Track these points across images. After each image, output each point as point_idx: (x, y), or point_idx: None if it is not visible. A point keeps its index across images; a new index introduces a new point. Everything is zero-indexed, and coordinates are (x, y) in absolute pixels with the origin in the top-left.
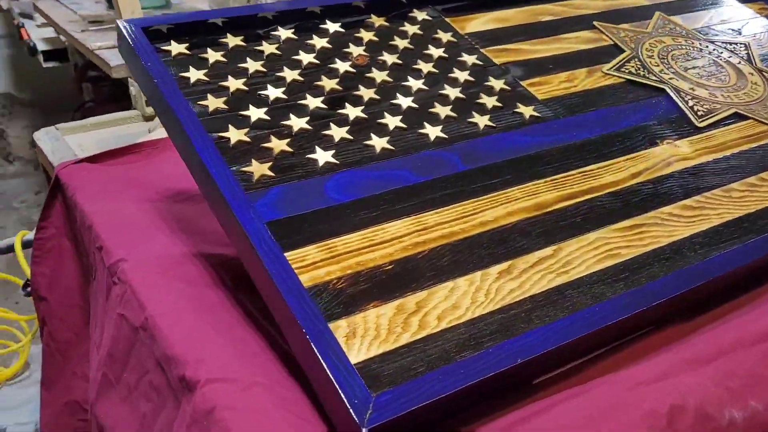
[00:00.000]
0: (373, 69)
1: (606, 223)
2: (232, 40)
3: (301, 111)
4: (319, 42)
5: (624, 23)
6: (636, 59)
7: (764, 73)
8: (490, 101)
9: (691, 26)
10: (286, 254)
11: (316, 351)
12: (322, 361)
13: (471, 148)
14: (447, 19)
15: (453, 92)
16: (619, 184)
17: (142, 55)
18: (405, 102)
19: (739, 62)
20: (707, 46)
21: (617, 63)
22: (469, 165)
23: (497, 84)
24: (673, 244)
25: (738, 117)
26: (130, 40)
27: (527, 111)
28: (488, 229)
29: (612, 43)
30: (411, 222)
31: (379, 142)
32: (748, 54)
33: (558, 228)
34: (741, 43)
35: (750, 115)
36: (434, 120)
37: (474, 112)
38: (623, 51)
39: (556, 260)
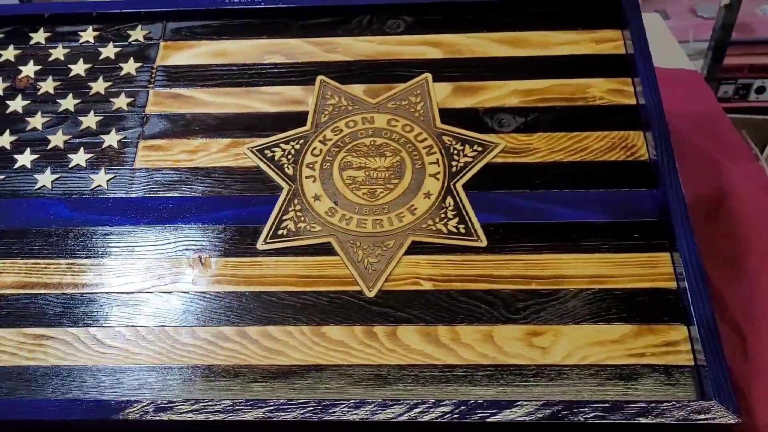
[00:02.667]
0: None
1: None
2: None
3: None
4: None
5: (365, 83)
6: (298, 142)
7: None
8: (82, 158)
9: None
10: None
11: None
12: None
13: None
14: (162, 44)
15: (62, 139)
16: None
17: None
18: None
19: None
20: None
21: (267, 143)
22: None
23: (110, 138)
24: None
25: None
26: None
27: (102, 178)
28: None
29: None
30: None
31: None
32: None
33: None
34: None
35: (338, 251)
36: None
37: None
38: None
39: None
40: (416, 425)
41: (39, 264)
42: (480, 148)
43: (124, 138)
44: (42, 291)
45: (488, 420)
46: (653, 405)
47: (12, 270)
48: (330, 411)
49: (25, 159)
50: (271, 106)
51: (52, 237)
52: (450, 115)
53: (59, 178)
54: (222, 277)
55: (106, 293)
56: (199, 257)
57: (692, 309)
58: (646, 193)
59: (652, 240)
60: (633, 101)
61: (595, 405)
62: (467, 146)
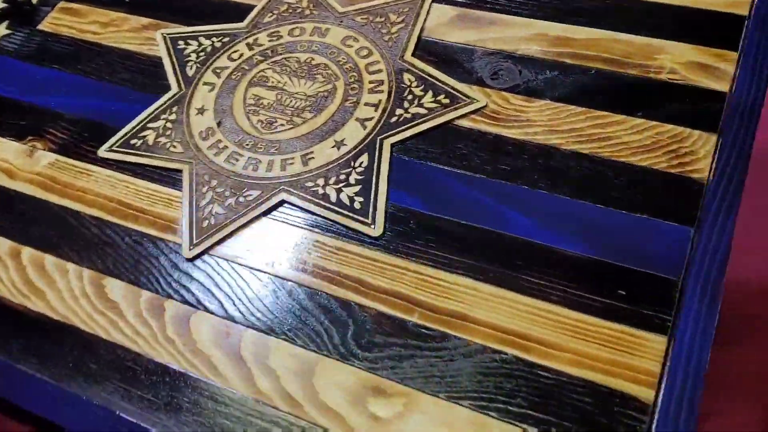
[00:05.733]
0: None
1: None
2: None
3: None
4: None
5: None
6: (222, 39)
7: None
8: None
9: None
10: None
11: None
12: None
13: None
14: None
15: None
16: None
17: None
18: None
19: None
20: None
21: (186, 33)
22: None
23: None
24: None
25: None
26: None
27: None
28: None
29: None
30: None
31: None
32: None
33: None
34: None
35: (184, 186)
36: None
37: None
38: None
39: None
40: None
41: None
42: (447, 101)
43: None
44: None
45: None
46: None
47: None
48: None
49: None
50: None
51: None
52: (432, 50)
53: None
54: (37, 177)
55: None
56: (32, 144)
57: None
58: (675, 231)
59: (652, 310)
60: (723, 87)
61: None
62: (430, 93)
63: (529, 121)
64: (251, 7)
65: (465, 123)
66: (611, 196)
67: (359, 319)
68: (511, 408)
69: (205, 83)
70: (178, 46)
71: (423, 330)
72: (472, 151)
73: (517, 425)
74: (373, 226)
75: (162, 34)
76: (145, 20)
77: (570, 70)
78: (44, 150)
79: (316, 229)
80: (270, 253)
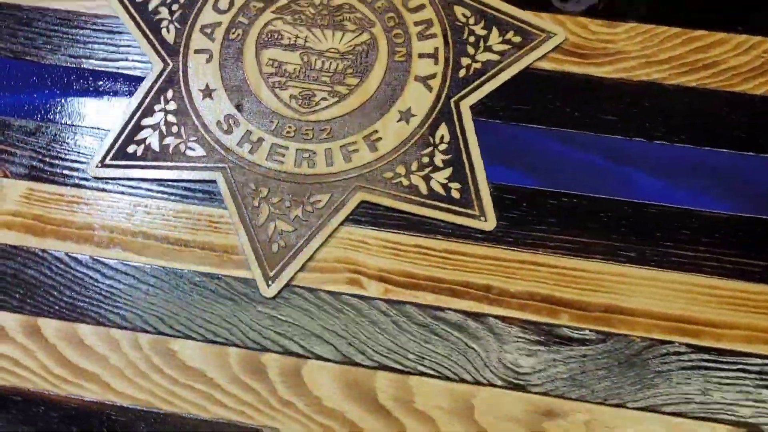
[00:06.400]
0: None
1: None
2: None
3: None
4: None
5: None
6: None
7: None
8: None
9: None
10: None
11: None
12: None
13: None
14: None
15: None
16: None
17: None
18: None
19: None
20: None
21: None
22: None
23: None
24: None
25: None
26: None
27: None
28: None
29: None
30: None
31: None
32: None
33: None
34: None
35: (226, 200)
36: None
37: None
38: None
39: None
40: None
41: None
42: (518, 38)
43: None
44: None
45: None
46: None
47: None
48: None
49: None
50: None
51: None
52: None
53: None
54: (15, 219)
55: None
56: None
57: None
58: None
59: None
60: None
61: None
62: (495, 31)
63: (619, 53)
64: None
65: (546, 65)
66: (736, 136)
67: (501, 332)
68: (708, 405)
69: (197, 51)
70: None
71: (577, 333)
72: (566, 101)
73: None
74: (483, 218)
75: None
76: None
77: None
78: (2, 176)
79: (414, 232)
80: (366, 272)
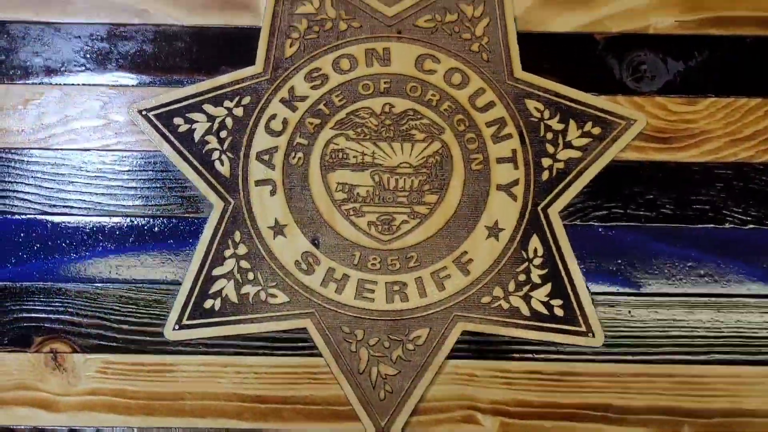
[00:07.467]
0: None
1: None
2: None
3: None
4: None
5: None
6: (240, 101)
7: None
8: None
9: None
10: None
11: None
12: None
13: None
14: None
15: None
16: None
17: None
18: None
19: None
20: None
21: (175, 100)
22: None
23: None
24: None
25: None
26: None
27: None
28: None
29: None
30: None
31: None
32: None
33: None
34: None
35: (320, 348)
36: None
37: None
38: None
39: None
40: None
41: None
42: (598, 130)
43: None
44: None
45: None
46: None
47: None
48: None
49: None
50: (186, 12)
51: None
52: (538, 51)
53: None
54: (92, 399)
55: None
56: (53, 352)
57: None
58: None
59: None
60: None
61: None
62: (573, 123)
63: (703, 133)
64: (247, 34)
65: (630, 155)
66: None
67: None
68: None
69: (258, 182)
70: (177, 128)
71: None
72: (656, 193)
73: None
74: (591, 334)
75: (140, 112)
76: (103, 82)
77: (719, 45)
78: (70, 353)
79: (518, 356)
80: (480, 407)
